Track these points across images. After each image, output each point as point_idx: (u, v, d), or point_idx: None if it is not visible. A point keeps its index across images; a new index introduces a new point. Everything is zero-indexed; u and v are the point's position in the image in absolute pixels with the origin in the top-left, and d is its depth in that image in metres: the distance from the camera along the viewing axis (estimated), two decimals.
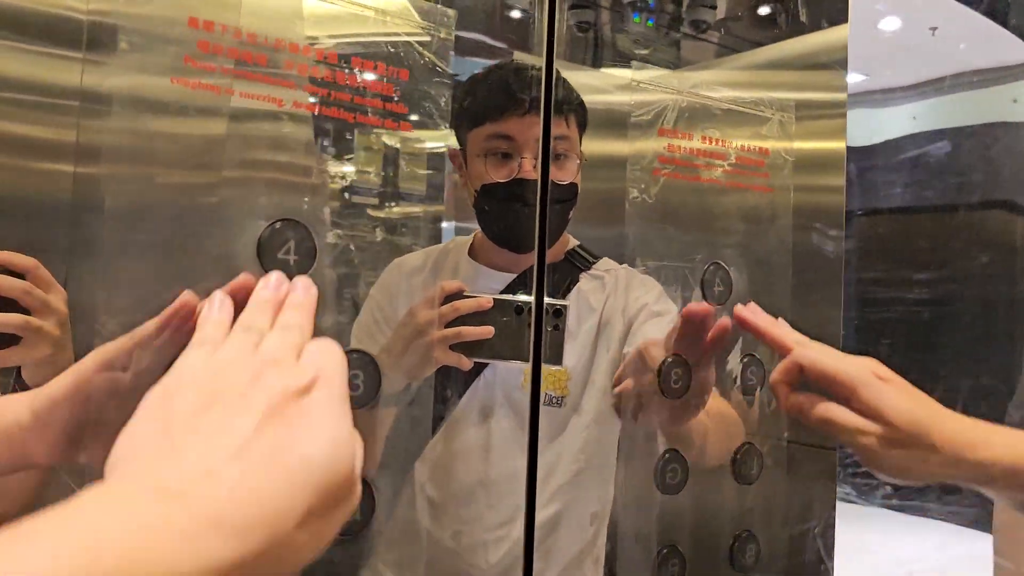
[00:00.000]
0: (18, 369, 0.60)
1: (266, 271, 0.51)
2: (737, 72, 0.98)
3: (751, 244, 0.95)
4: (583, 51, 0.89)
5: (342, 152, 0.70)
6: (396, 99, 0.70)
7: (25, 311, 0.57)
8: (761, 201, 0.96)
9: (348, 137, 0.70)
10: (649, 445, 0.87)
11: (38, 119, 0.59)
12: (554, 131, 0.80)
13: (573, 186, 0.83)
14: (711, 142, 0.91)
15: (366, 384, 0.68)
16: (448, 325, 0.73)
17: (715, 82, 0.93)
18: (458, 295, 0.74)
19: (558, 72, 0.81)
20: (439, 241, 0.83)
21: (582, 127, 0.85)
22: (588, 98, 0.86)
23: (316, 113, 0.67)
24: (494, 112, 0.79)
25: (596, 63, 0.90)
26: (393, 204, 0.74)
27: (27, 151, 0.59)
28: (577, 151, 0.84)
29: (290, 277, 0.46)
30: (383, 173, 0.73)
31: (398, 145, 0.74)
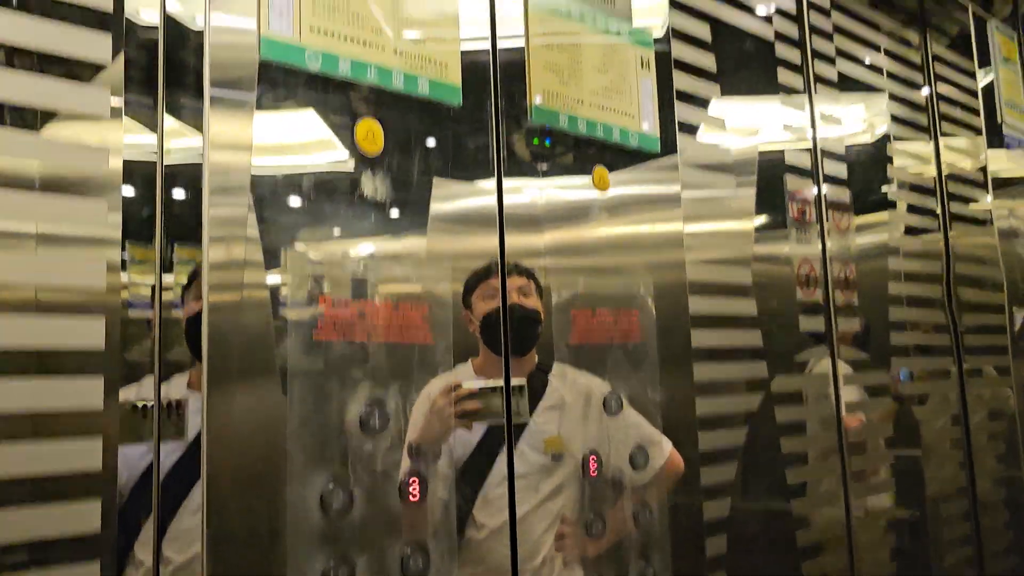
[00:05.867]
0: None
1: None
2: None
3: None
4: None
5: None
6: None
7: None
8: None
9: None
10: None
11: None
12: (519, 283, 1.23)
13: (537, 313, 1.28)
14: None
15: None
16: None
17: None
18: (459, 387, 1.18)
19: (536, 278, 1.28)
20: None
21: (539, 284, 1.30)
22: None
23: None
24: (483, 282, 1.24)
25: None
26: None
27: None
28: (536, 294, 1.29)
29: None
30: None
31: None
